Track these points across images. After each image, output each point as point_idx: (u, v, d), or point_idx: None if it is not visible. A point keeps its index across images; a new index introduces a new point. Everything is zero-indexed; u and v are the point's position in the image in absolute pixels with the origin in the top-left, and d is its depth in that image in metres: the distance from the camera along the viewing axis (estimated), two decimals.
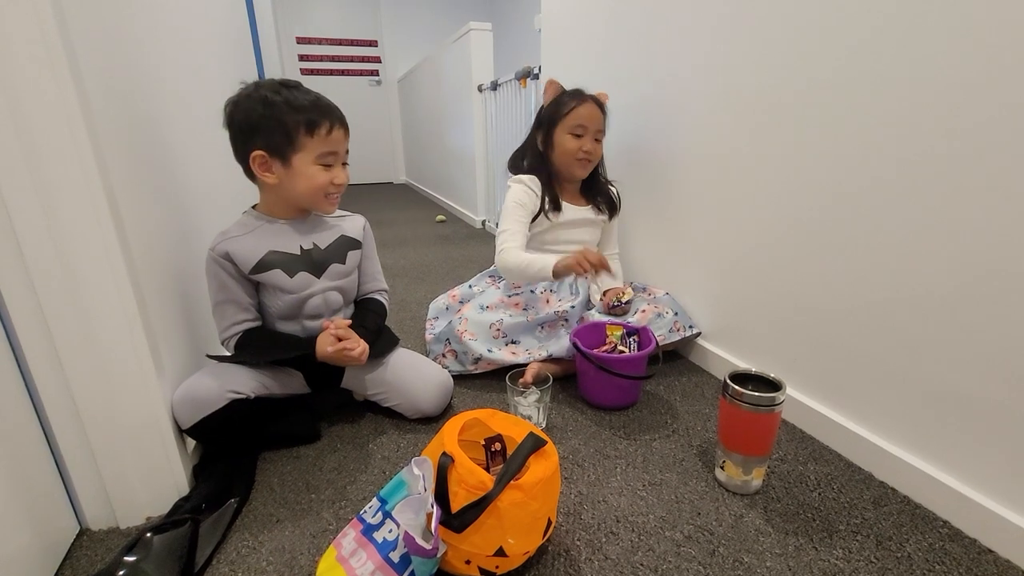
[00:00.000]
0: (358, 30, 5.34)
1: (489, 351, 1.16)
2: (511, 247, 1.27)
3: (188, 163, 1.04)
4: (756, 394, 0.77)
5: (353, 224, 1.05)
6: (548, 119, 1.31)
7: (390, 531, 0.63)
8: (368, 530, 0.66)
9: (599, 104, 1.29)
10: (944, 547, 0.72)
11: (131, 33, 0.84)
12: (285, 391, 0.96)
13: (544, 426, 1.01)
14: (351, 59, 5.41)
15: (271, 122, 0.84)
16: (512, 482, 0.63)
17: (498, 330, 1.19)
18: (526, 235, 1.31)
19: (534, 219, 1.32)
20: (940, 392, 0.77)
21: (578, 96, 1.29)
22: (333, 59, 5.34)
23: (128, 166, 0.75)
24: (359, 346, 0.93)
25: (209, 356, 0.92)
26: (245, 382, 0.88)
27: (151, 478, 0.77)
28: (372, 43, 5.43)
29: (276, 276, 0.91)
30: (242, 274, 0.90)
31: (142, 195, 0.79)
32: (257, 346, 0.93)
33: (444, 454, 0.65)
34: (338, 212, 1.03)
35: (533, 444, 0.68)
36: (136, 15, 0.86)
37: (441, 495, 0.63)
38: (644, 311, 1.22)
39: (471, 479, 0.63)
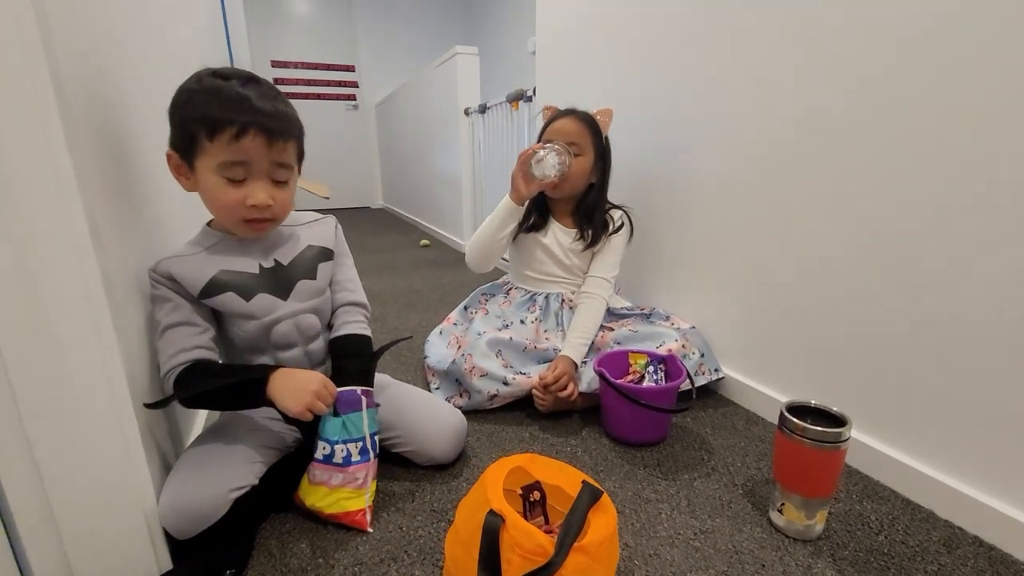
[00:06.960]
0: (335, 55, 5.29)
1: (506, 383, 1.07)
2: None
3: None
4: (820, 429, 0.71)
5: (323, 230, 0.89)
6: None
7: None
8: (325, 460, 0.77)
9: (581, 117, 1.21)
10: None
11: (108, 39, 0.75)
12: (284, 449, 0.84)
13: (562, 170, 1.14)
14: (328, 83, 5.34)
15: (177, 115, 0.69)
16: (575, 544, 0.54)
17: (504, 364, 1.12)
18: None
19: (519, 230, 1.27)
20: (999, 417, 0.72)
21: (560, 114, 1.24)
22: (309, 83, 5.26)
23: (103, 171, 0.65)
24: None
25: (146, 405, 0.66)
26: (246, 470, 0.73)
27: (124, 543, 0.64)
28: (349, 68, 5.38)
29: (230, 300, 0.76)
30: (193, 297, 0.75)
31: (118, 210, 0.69)
32: (201, 378, 0.72)
33: (492, 512, 0.56)
34: (305, 217, 0.89)
35: (591, 497, 0.59)
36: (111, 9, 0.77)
37: (492, 563, 0.54)
38: (671, 348, 1.12)
39: (528, 543, 0.53)
